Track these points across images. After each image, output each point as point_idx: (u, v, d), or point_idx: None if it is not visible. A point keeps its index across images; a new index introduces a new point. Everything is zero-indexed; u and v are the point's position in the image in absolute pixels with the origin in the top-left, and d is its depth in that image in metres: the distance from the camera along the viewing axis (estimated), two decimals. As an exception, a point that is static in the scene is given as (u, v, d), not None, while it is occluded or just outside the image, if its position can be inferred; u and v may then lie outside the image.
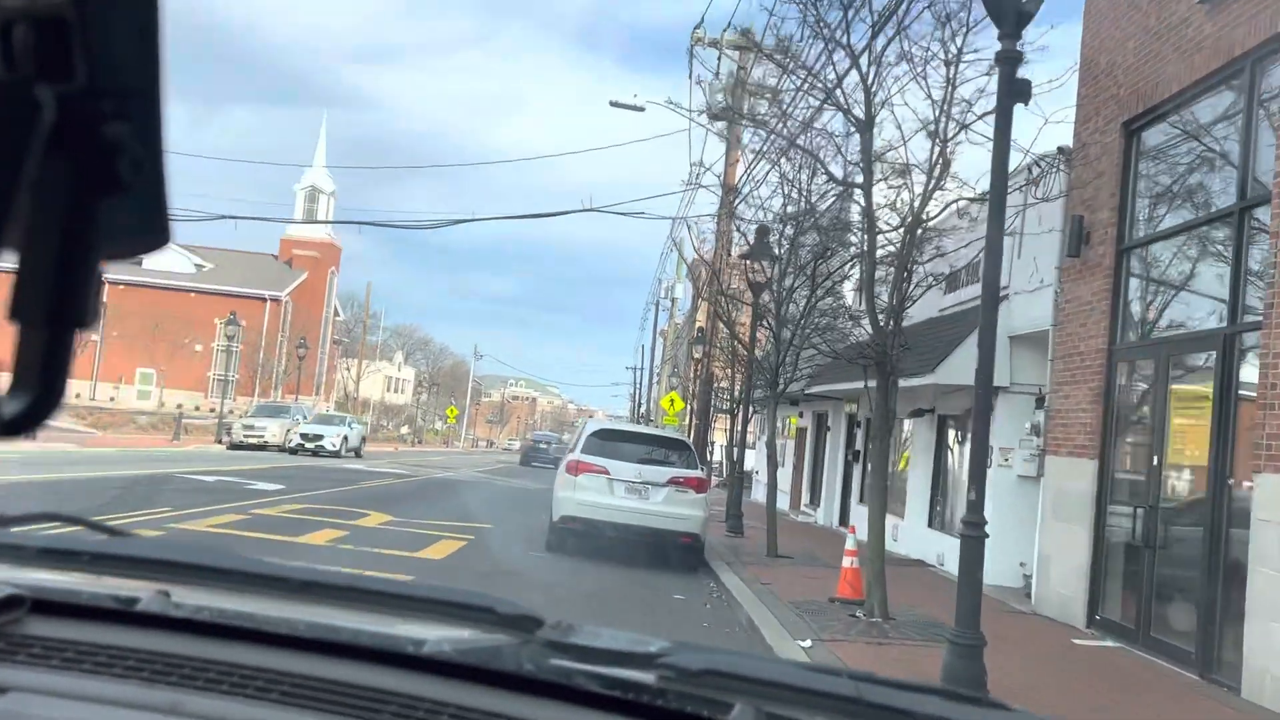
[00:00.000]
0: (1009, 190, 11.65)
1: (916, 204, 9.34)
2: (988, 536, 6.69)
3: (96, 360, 57.18)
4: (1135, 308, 9.86)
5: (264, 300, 58.30)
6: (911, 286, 9.47)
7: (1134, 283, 9.88)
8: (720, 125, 23.31)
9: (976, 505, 6.47)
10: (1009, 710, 1.13)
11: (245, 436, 34.51)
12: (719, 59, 22.80)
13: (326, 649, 1.12)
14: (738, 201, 19.80)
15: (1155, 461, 8.80)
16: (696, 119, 23.54)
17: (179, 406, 46.30)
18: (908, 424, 16.76)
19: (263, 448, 33.86)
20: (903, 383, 10.99)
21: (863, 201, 10.55)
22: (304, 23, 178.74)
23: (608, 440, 13.15)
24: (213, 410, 39.24)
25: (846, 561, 10.49)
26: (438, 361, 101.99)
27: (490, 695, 1.06)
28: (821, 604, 10.11)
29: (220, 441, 35.36)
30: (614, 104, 23.22)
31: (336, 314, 68.51)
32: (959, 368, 12.85)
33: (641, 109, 23.10)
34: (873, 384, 9.84)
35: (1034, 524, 11.65)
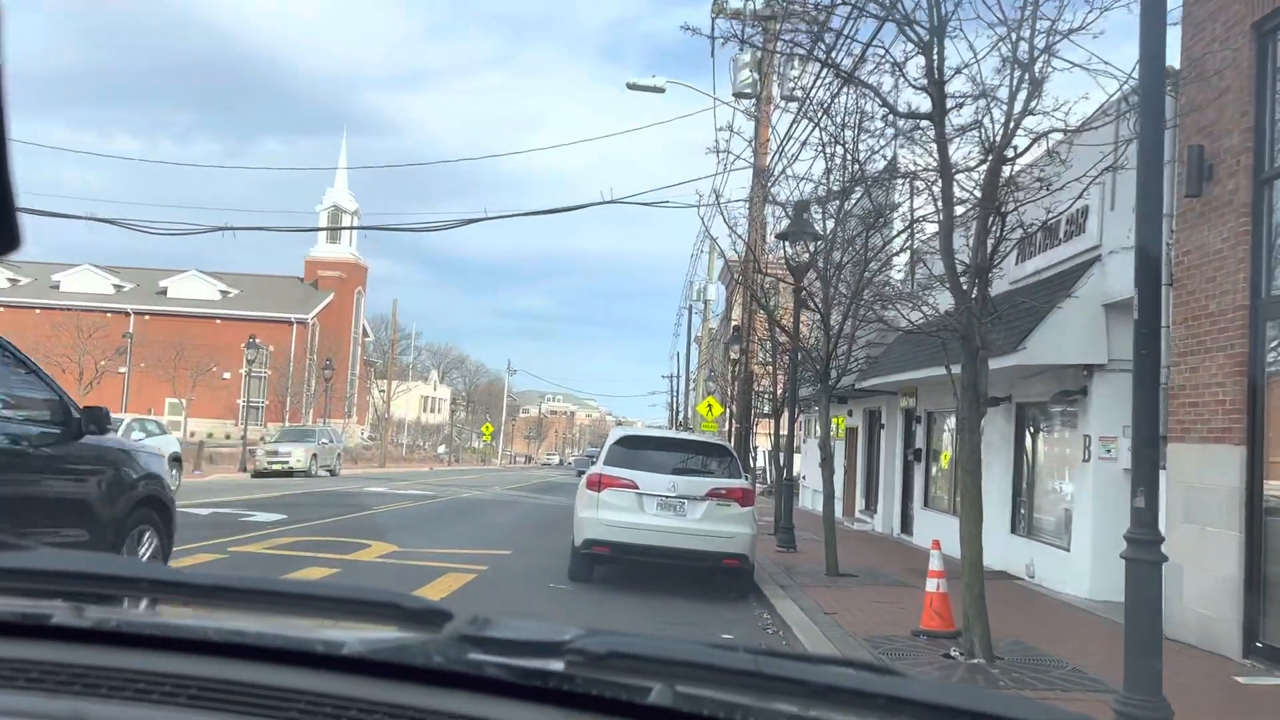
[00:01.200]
0: (1094, 125, 9.69)
1: (999, 133, 7.41)
2: (1166, 559, 4.73)
3: (125, 392, 56.40)
4: (1285, 252, 7.84)
5: (290, 323, 57.28)
6: (1001, 238, 7.53)
7: (1282, 220, 7.86)
8: (747, 104, 21.54)
9: (1146, 514, 4.53)
10: (903, 676, 1.08)
11: (270, 463, 33.13)
12: (743, 31, 21.03)
13: (234, 652, 1.13)
14: (771, 183, 17.86)
15: (1337, 443, 6.77)
16: (722, 100, 21.76)
17: (205, 435, 45.17)
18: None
19: (289, 474, 32.46)
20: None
21: (919, 145, 8.67)
22: (330, 54, 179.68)
23: (636, 449, 11.27)
24: (243, 438, 37.89)
25: (931, 585, 8.53)
26: (474, 380, 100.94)
27: (399, 689, 1.06)
28: (904, 640, 8.18)
29: (245, 469, 34.00)
30: (632, 86, 21.44)
31: (366, 334, 67.34)
32: (1048, 345, 10.86)
33: (661, 89, 21.32)
34: (955, 367, 7.91)
35: (1149, 526, 9.62)
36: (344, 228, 56.95)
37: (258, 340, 39.17)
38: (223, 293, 59.97)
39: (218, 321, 56.64)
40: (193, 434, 46.70)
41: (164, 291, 59.51)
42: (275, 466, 32.87)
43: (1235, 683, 7.05)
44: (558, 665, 1.06)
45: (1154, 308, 5.00)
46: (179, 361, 46.44)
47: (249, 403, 48.45)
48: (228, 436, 49.89)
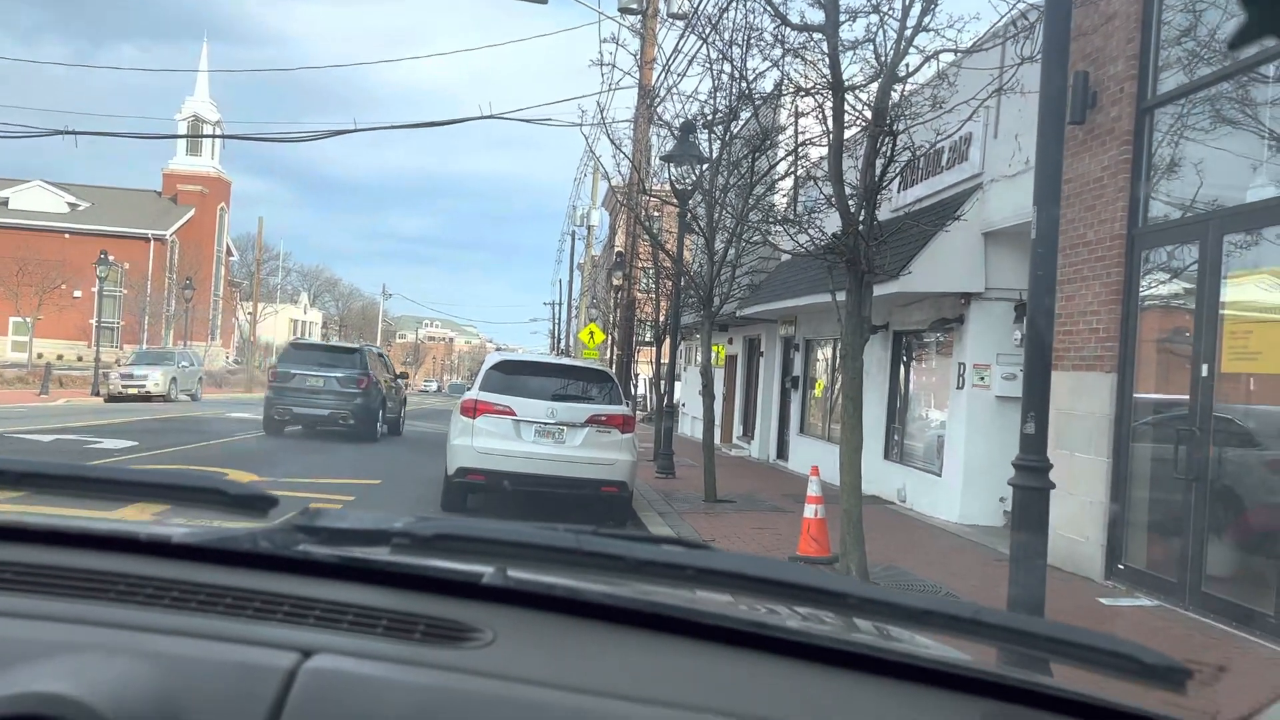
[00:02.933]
0: (985, 46, 9.57)
1: (892, 51, 7.16)
2: (1054, 486, 4.64)
3: (-39, 310, 52.45)
4: (1165, 182, 7.89)
5: (147, 240, 53.99)
6: (890, 159, 7.32)
7: (1162, 150, 7.89)
8: (633, 20, 20.85)
9: (1036, 440, 4.41)
10: (712, 551, 1.14)
11: (124, 387, 31.24)
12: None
13: (55, 539, 1.11)
14: (657, 103, 17.35)
15: (1205, 372, 6.89)
16: (607, 15, 21.00)
17: (55, 357, 42.34)
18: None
19: (146, 398, 30.72)
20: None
21: (810, 63, 8.39)
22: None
23: (513, 374, 10.84)
24: (96, 360, 35.57)
25: (809, 511, 8.49)
26: (347, 303, 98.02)
27: (224, 573, 1.04)
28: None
29: (98, 393, 32.04)
30: (513, -5, 20.42)
31: (230, 254, 64.16)
32: (930, 272, 10.85)
33: (544, 0, 20.38)
34: (840, 294, 7.74)
35: (1016, 451, 9.82)
36: (204, 135, 53.63)
37: (111, 257, 36.67)
38: (71, 205, 55.93)
39: (66, 236, 52.85)
40: (40, 355, 43.81)
41: (4, 202, 55.15)
42: (130, 390, 31.06)
43: (1099, 604, 7.22)
44: (385, 547, 1.07)
45: (1052, 226, 4.85)
46: (22, 278, 43.23)
47: (102, 323, 45.68)
48: (79, 358, 47.00)
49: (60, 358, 45.68)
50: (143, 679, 0.81)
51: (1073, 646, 1.03)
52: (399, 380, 22.81)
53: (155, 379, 31.90)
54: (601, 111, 17.48)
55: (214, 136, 52.67)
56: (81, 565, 1.04)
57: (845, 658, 1.02)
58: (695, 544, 1.19)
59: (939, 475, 11.95)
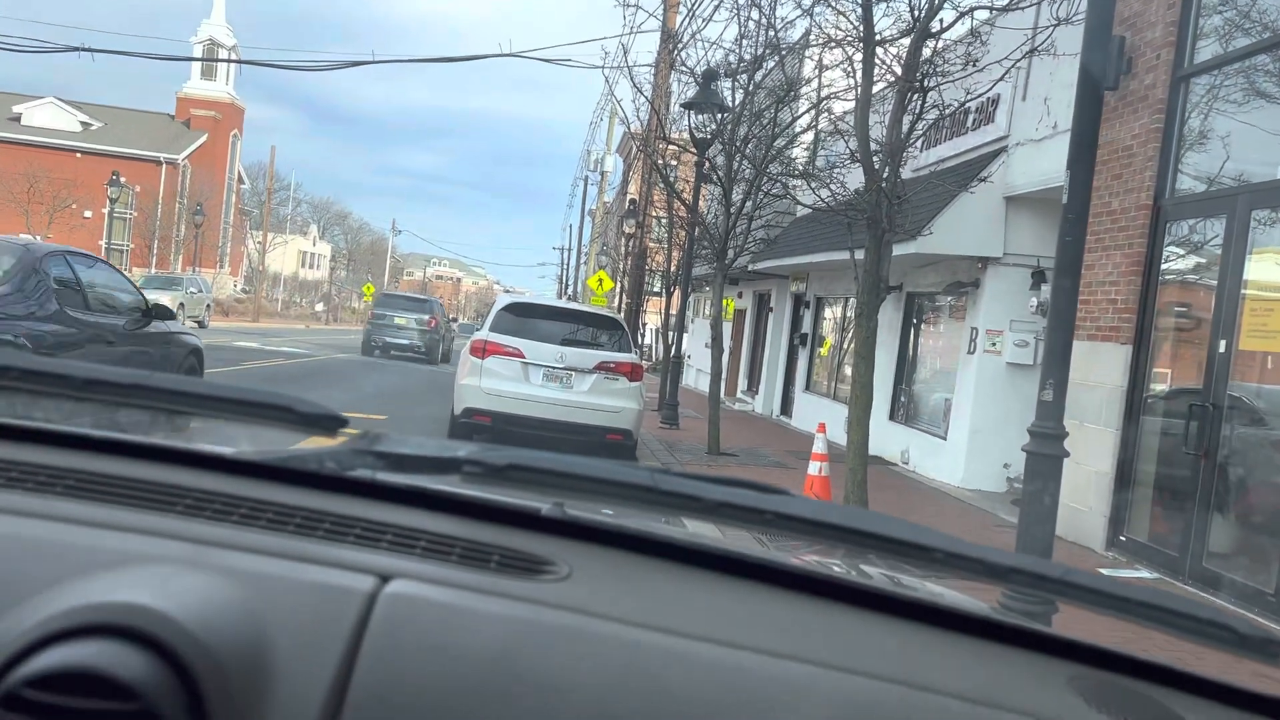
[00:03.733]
0: (1020, 4, 9.36)
1: (926, 5, 7.01)
2: (1068, 454, 4.62)
3: (-28, 226, 52.35)
4: (1194, 153, 7.76)
5: (159, 163, 53.60)
6: (918, 116, 7.20)
7: (1194, 121, 7.76)
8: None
9: (1054, 408, 4.37)
10: (791, 496, 1.09)
11: (132, 310, 31.28)
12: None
13: (117, 449, 1.06)
14: (680, 48, 17.07)
15: (1223, 348, 6.83)
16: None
17: (64, 278, 42.40)
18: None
19: (152, 323, 30.76)
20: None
21: (841, 12, 8.22)
22: None
23: (523, 317, 10.79)
24: (101, 282, 35.54)
25: (813, 468, 8.50)
26: (356, 237, 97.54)
27: (290, 491, 1.01)
28: (784, 520, 8.15)
29: (105, 316, 32.04)
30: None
31: (241, 181, 63.75)
32: (949, 234, 10.75)
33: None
34: (858, 252, 7.65)
35: (1025, 420, 9.79)
36: (219, 60, 53.00)
37: (122, 178, 36.52)
38: (84, 124, 55.50)
39: (78, 155, 52.52)
40: (49, 275, 43.84)
41: (17, 118, 54.74)
42: (138, 314, 31.10)
43: (1099, 575, 7.24)
44: (456, 474, 1.05)
45: (1085, 191, 4.76)
46: (33, 195, 43.07)
47: (112, 245, 45.58)
48: (88, 280, 47.04)
49: (68, 278, 45.75)
50: (224, 595, 0.79)
51: (1166, 613, 1.01)
52: (451, 322, 33.27)
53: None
54: (625, 52, 17.16)
55: (229, 61, 52.00)
56: (146, 476, 1.00)
57: (928, 613, 0.99)
58: (770, 488, 1.16)
59: (944, 439, 11.95)
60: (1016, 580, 1.02)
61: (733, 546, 1.04)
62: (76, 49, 18.69)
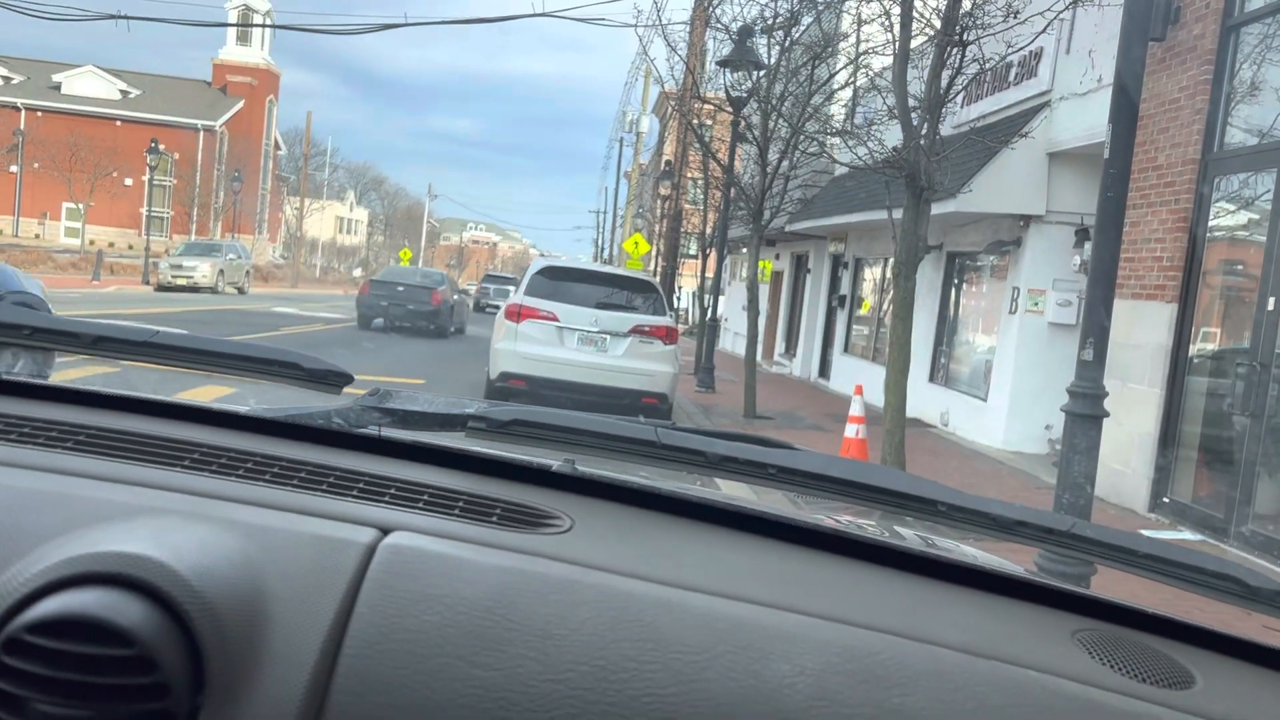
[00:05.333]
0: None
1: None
2: (1107, 415, 4.54)
3: (18, 193, 53.19)
4: (1243, 106, 7.53)
5: (197, 130, 54.03)
6: (958, 70, 7.04)
7: (1244, 72, 7.52)
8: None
9: (1094, 368, 4.29)
10: (795, 450, 1.11)
11: (173, 277, 31.69)
12: None
13: (128, 405, 1.10)
14: (715, 6, 16.82)
15: (1272, 305, 6.67)
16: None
17: (106, 244, 42.94)
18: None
19: (194, 289, 31.16)
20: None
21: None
22: None
23: (558, 280, 10.77)
24: (146, 249, 36.02)
25: (850, 430, 8.44)
26: (393, 203, 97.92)
27: (298, 447, 1.04)
28: (821, 483, 8.12)
29: (147, 282, 32.53)
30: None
31: (278, 148, 64.10)
32: (990, 191, 10.56)
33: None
34: (896, 212, 7.52)
35: (1067, 381, 9.63)
36: (253, 25, 53.15)
37: (161, 146, 36.85)
38: (123, 93, 56.02)
39: (118, 123, 53.06)
40: (92, 242, 44.47)
41: (58, 87, 55.34)
42: (179, 281, 31.50)
43: (1104, 527, 7.14)
44: (460, 430, 1.06)
45: (1127, 146, 4.64)
46: (75, 163, 43.62)
47: (152, 212, 46.11)
48: (130, 247, 47.60)
49: (111, 245, 46.33)
50: (223, 545, 0.80)
51: (1174, 565, 0.99)
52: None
53: (203, 270, 32.29)
54: (658, 11, 16.98)
55: (263, 26, 52.16)
56: (154, 432, 1.02)
57: (932, 566, 0.98)
58: (776, 442, 1.16)
59: (984, 400, 11.82)
60: (1023, 533, 1.01)
61: (734, 500, 1.04)
62: (113, 16, 18.82)
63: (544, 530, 0.92)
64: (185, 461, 0.97)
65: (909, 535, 1.19)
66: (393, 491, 0.95)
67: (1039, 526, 1.00)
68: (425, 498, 0.95)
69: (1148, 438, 7.94)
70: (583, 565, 0.85)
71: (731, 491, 1.32)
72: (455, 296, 25.64)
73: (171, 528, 0.81)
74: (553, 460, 1.05)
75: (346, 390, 1.16)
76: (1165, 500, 7.77)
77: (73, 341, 1.17)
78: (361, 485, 0.96)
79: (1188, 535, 7.17)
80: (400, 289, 22.44)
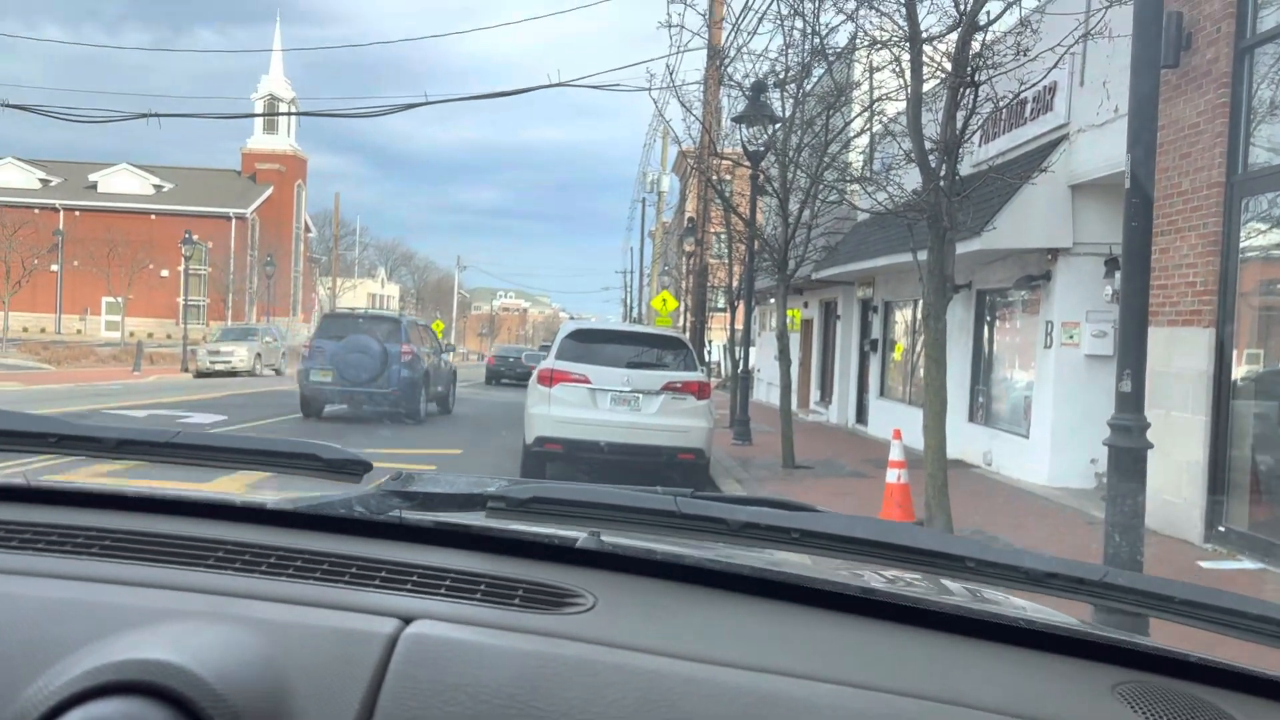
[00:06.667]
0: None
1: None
2: (1151, 447, 4.46)
3: (59, 291, 54.54)
4: (1266, 126, 7.48)
5: (229, 218, 55.35)
6: (972, 111, 7.07)
7: (1263, 92, 7.48)
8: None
9: (1132, 399, 4.22)
10: (816, 511, 1.12)
11: (212, 363, 32.26)
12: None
13: (152, 506, 1.11)
14: (727, 63, 17.07)
15: (1313, 324, 6.54)
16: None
17: (145, 335, 43.82)
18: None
19: (232, 373, 31.66)
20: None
21: (885, 14, 8.11)
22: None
23: (588, 343, 10.83)
24: (184, 337, 36.73)
25: (891, 475, 8.33)
26: (423, 276, 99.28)
27: (320, 538, 1.04)
28: (865, 531, 8.00)
29: (186, 370, 33.10)
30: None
31: (308, 230, 65.43)
32: (1014, 227, 10.52)
33: (610, -36, 20.16)
34: (921, 253, 7.51)
35: (1108, 412, 9.46)
36: (279, 114, 54.60)
37: (195, 236, 37.75)
38: (156, 187, 57.61)
39: (152, 217, 54.50)
40: (132, 333, 45.36)
41: (94, 186, 57.02)
42: (217, 366, 32.04)
43: (1199, 568, 6.96)
44: (480, 511, 1.06)
45: (1147, 175, 4.61)
46: (113, 259, 44.74)
47: (188, 301, 47.06)
48: (169, 336, 48.55)
49: (150, 335, 47.29)
50: (245, 645, 0.81)
51: (1214, 610, 0.97)
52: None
53: (240, 355, 32.85)
54: (670, 74, 17.26)
55: (289, 114, 53.45)
56: (178, 532, 1.04)
57: (966, 624, 0.96)
58: (798, 505, 1.16)
59: (1026, 437, 11.65)
60: (1055, 585, 0.99)
61: (758, 567, 1.03)
62: (144, 115, 19.40)
63: (567, 610, 0.91)
64: (209, 560, 0.98)
65: (939, 593, 1.17)
66: (415, 578, 0.96)
67: (1071, 578, 0.99)
68: (447, 582, 0.95)
69: (1197, 466, 7.76)
70: (607, 645, 0.85)
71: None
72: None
73: (194, 631, 0.81)
74: (575, 535, 1.05)
75: (377, 466, 1.17)
76: (1220, 529, 7.57)
77: (96, 447, 1.19)
78: (384, 574, 0.96)
79: (1247, 564, 6.97)
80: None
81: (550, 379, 10.31)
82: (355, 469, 1.15)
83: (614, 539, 1.05)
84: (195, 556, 0.99)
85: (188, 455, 1.20)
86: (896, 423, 11.80)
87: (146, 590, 0.91)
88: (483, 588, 0.95)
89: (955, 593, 1.17)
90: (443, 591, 0.93)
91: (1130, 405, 4.61)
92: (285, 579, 0.95)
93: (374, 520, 1.07)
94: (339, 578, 0.95)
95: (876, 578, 1.20)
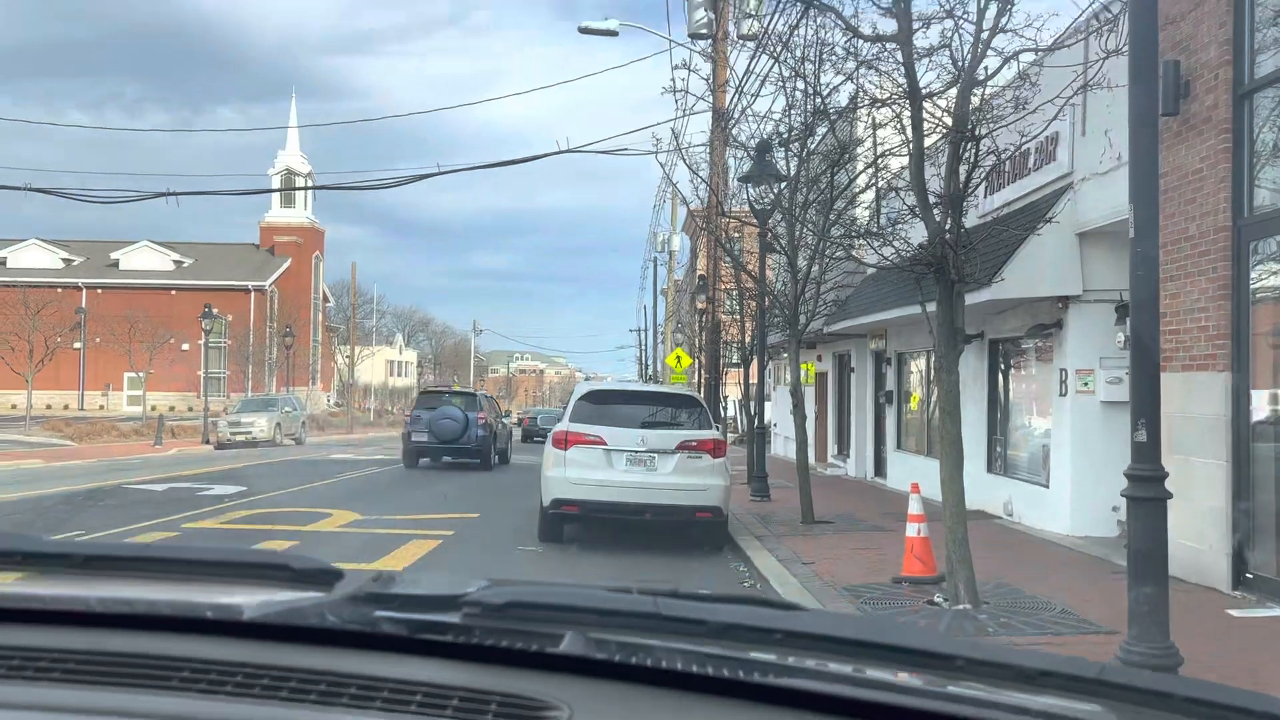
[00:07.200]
0: (1067, 43, 9.28)
1: (969, 55, 6.99)
2: (1170, 496, 4.42)
3: (81, 368, 55.13)
4: (1270, 169, 7.51)
5: (248, 291, 56.03)
6: (974, 164, 7.13)
7: (1265, 135, 7.53)
8: (703, 44, 20.89)
9: (1148, 449, 4.20)
10: (800, 611, 1.11)
11: (232, 434, 32.45)
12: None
13: (117, 622, 1.08)
14: (732, 125, 17.31)
15: (1328, 365, 6.50)
16: (677, 42, 21.15)
17: (167, 409, 44.11)
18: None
19: (252, 444, 31.82)
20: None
21: (884, 73, 8.24)
22: (282, 19, 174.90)
23: (602, 404, 10.85)
24: (205, 410, 36.95)
25: (911, 529, 8.26)
26: (440, 341, 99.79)
27: (290, 651, 1.02)
28: (886, 588, 7.91)
29: (207, 442, 33.27)
30: (584, 29, 20.72)
31: (326, 300, 66.14)
32: (1023, 276, 10.54)
33: (614, 32, 20.64)
34: (930, 305, 7.53)
35: (1127, 458, 9.36)
36: (295, 188, 55.58)
37: (214, 310, 38.22)
38: (177, 263, 58.49)
39: (173, 292, 55.24)
40: (154, 408, 45.67)
41: (115, 264, 57.95)
42: (238, 437, 32.21)
43: (1229, 616, 6.84)
44: (455, 618, 1.03)
45: (1151, 224, 4.64)
46: (134, 335, 45.26)
47: (209, 374, 47.48)
48: (190, 409, 48.84)
49: (172, 409, 47.60)
50: None
51: (1217, 708, 0.94)
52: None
53: (260, 425, 33.05)
54: (676, 138, 17.48)
55: (306, 188, 54.49)
56: (144, 650, 1.02)
57: None
58: (782, 604, 1.15)
59: (1046, 486, 11.53)
60: (1049, 684, 0.96)
61: (739, 670, 1.00)
62: (163, 195, 19.78)
63: None
64: (173, 681, 0.96)
65: (930, 694, 1.17)
66: (385, 695, 0.93)
67: (1065, 675, 0.96)
68: (418, 698, 0.92)
69: (1220, 512, 7.66)
70: None
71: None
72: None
73: None
74: (553, 639, 1.02)
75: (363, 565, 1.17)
76: (1248, 576, 7.44)
77: (65, 563, 1.19)
78: (353, 690, 0.94)
79: (1277, 612, 6.84)
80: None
81: (565, 441, 10.32)
82: (325, 578, 1.13)
83: (595, 641, 1.02)
84: (159, 677, 0.97)
85: (159, 569, 1.19)
86: (915, 475, 11.72)
87: (106, 719, 0.89)
88: (455, 702, 0.92)
89: (944, 693, 1.15)
90: (414, 708, 0.91)
91: (1146, 455, 4.58)
92: (250, 700, 0.92)
93: (345, 630, 1.05)
94: (305, 696, 0.93)
95: (865, 677, 1.19)
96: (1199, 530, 7.88)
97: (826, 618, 1.10)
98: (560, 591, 1.09)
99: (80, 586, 1.17)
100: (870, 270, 14.04)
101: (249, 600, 1.08)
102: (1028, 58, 7.90)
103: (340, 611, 1.05)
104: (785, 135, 12.48)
